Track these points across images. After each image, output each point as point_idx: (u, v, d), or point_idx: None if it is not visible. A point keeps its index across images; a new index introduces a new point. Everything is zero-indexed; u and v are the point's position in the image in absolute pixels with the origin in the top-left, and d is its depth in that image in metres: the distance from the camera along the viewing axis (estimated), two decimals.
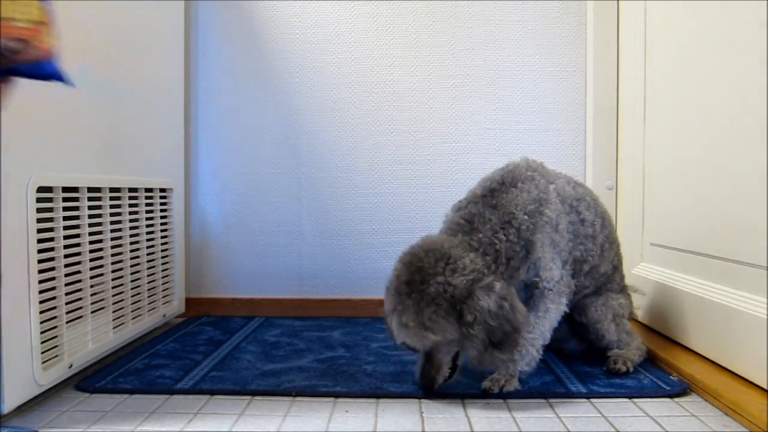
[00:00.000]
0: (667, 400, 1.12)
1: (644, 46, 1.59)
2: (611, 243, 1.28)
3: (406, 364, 1.32)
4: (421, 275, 1.04)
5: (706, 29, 1.28)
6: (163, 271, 1.63)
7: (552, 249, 1.14)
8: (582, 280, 1.24)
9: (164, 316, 1.64)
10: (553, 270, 1.15)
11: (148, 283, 1.53)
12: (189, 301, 1.85)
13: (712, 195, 1.26)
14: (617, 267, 1.32)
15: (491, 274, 1.06)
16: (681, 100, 1.39)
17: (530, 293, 1.18)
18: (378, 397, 1.14)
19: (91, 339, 1.24)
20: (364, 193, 1.85)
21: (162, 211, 1.63)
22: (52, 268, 1.10)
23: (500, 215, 1.11)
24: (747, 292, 1.14)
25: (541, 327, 1.16)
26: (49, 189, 1.10)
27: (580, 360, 1.34)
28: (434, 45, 1.84)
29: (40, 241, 1.06)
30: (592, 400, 1.12)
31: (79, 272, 1.20)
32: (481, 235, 1.09)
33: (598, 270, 1.26)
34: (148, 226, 1.53)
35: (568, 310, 1.21)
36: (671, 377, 1.22)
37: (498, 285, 1.04)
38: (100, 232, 1.29)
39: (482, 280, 1.04)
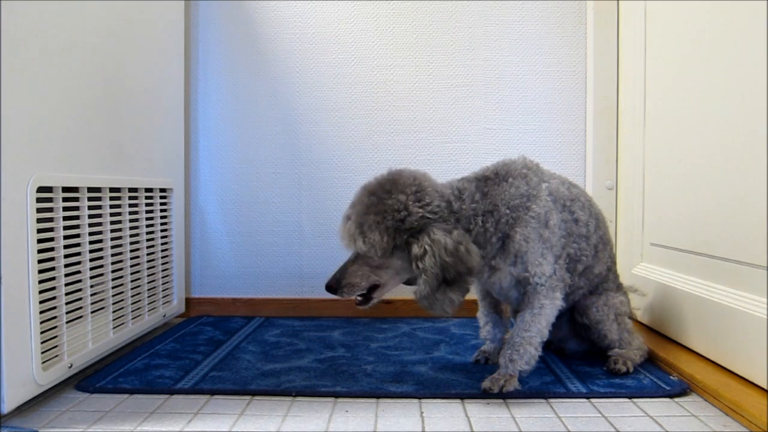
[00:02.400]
0: (667, 400, 1.12)
1: (644, 46, 1.59)
2: (605, 244, 1.29)
3: (406, 364, 1.32)
4: (390, 186, 1.09)
5: (706, 29, 1.28)
6: (163, 271, 1.63)
7: (542, 244, 1.15)
8: (576, 281, 1.24)
9: (164, 316, 1.64)
10: (543, 265, 1.15)
11: (148, 283, 1.53)
12: (189, 301, 1.86)
13: (712, 195, 1.26)
14: (611, 268, 1.33)
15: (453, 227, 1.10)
16: (681, 100, 1.39)
17: (523, 290, 1.18)
18: (378, 397, 1.14)
19: (91, 339, 1.24)
20: None
21: (162, 211, 1.63)
22: (52, 268, 1.11)
23: (486, 204, 1.14)
24: (747, 292, 1.14)
25: (537, 324, 1.16)
26: (49, 189, 1.10)
27: (580, 360, 1.34)
28: (434, 45, 1.84)
29: (40, 241, 1.06)
30: (592, 400, 1.12)
31: (79, 272, 1.20)
32: (464, 207, 1.12)
33: (593, 271, 1.26)
34: (148, 226, 1.53)
35: (564, 304, 1.21)
36: (671, 377, 1.22)
37: (456, 232, 1.07)
38: (100, 232, 1.29)
39: (440, 224, 1.08)
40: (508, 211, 1.13)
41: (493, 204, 1.13)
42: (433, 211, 1.08)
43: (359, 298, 1.17)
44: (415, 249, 1.06)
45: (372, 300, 1.17)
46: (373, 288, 1.16)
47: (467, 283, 1.08)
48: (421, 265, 1.05)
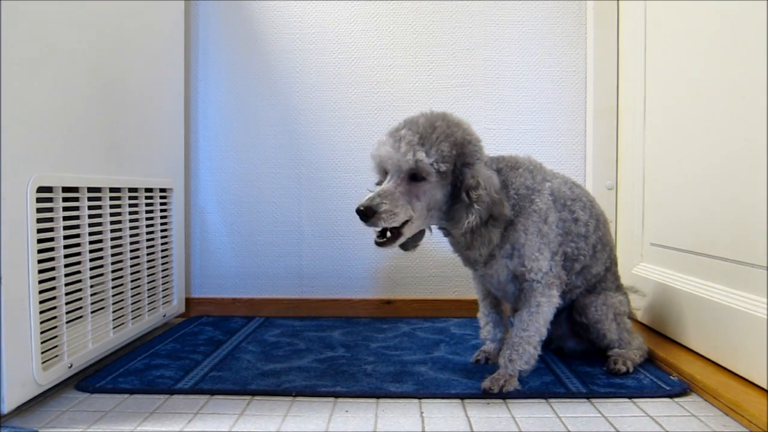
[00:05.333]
0: (667, 400, 1.12)
1: (644, 46, 1.59)
2: (604, 245, 1.29)
3: (406, 364, 1.32)
4: (446, 117, 1.11)
5: (706, 29, 1.28)
6: (163, 271, 1.63)
7: (539, 239, 1.16)
8: (573, 280, 1.25)
9: (164, 316, 1.64)
10: (540, 260, 1.15)
11: (148, 283, 1.53)
12: (189, 301, 1.86)
13: (711, 195, 1.26)
14: (610, 269, 1.32)
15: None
16: (681, 100, 1.39)
17: (520, 287, 1.18)
18: (378, 397, 1.14)
19: (91, 339, 1.24)
20: (364, 193, 1.84)
21: (162, 211, 1.63)
22: (52, 268, 1.11)
23: (500, 178, 1.15)
24: (747, 292, 1.14)
25: (535, 323, 1.16)
26: (49, 189, 1.10)
27: (580, 360, 1.34)
28: (434, 45, 1.84)
29: (40, 241, 1.06)
30: (592, 400, 1.12)
31: (79, 272, 1.20)
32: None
33: (590, 271, 1.27)
34: (148, 226, 1.53)
35: (561, 302, 1.21)
36: (671, 377, 1.22)
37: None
38: (100, 232, 1.29)
39: (485, 165, 1.11)
40: (516, 197, 1.15)
41: (505, 184, 1.15)
42: (481, 151, 1.12)
43: (388, 234, 1.08)
44: (469, 179, 1.07)
45: (400, 237, 1.09)
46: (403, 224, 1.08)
47: (502, 225, 1.10)
48: (474, 195, 1.06)
